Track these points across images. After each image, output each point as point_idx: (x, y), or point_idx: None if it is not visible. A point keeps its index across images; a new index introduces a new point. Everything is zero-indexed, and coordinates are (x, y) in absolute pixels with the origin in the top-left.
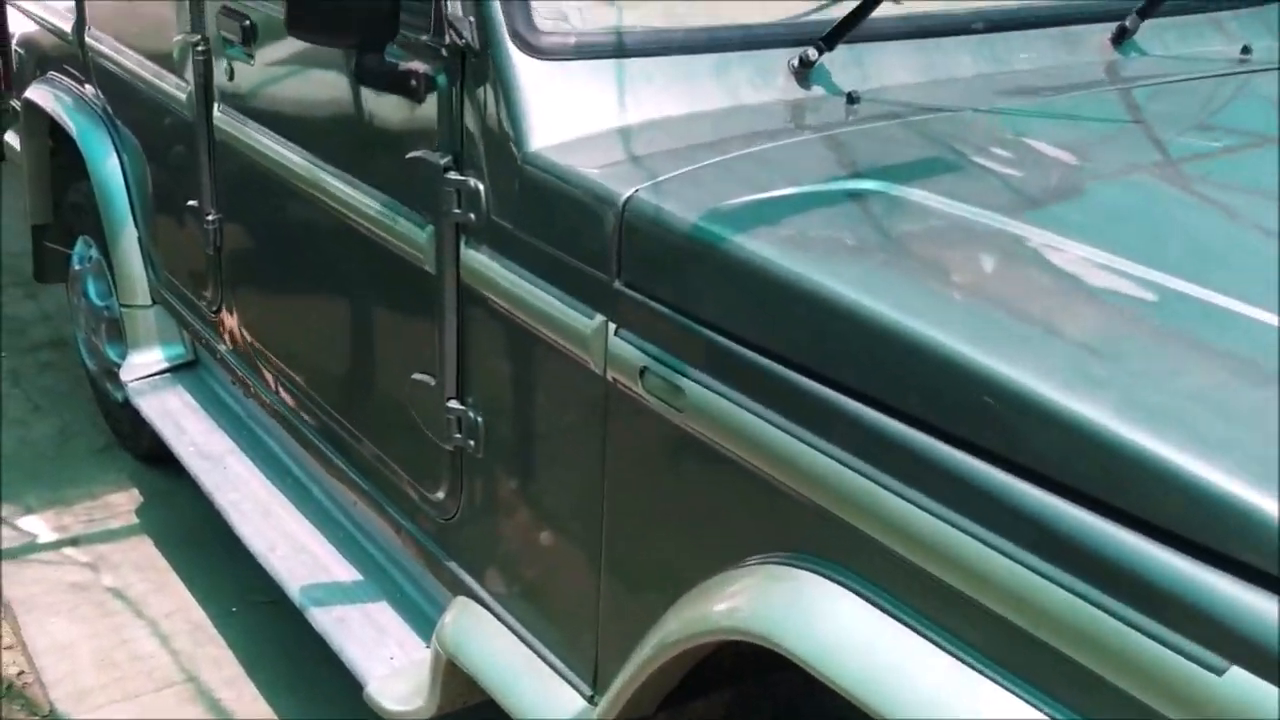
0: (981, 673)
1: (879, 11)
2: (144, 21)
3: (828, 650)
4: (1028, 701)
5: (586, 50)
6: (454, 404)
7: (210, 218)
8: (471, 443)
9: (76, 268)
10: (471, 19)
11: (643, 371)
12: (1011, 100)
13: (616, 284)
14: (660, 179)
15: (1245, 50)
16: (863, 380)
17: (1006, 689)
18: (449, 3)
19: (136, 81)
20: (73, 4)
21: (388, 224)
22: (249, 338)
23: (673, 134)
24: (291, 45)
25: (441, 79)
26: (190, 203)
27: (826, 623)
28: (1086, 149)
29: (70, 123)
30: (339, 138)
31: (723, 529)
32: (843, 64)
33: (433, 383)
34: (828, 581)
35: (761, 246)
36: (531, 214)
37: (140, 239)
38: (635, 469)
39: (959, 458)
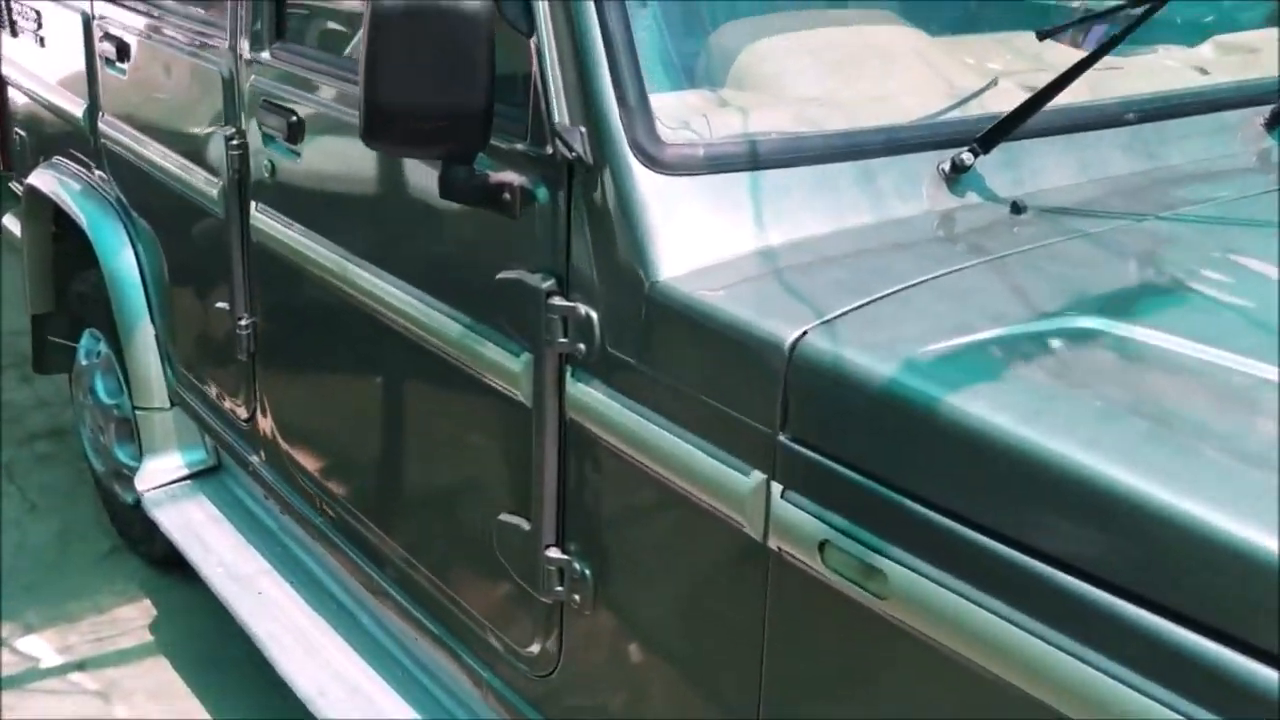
0: None
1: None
2: (168, 110)
3: None
4: None
5: (716, 163)
6: (554, 552)
7: (243, 322)
8: (576, 598)
9: (83, 362)
10: (582, 129)
11: (823, 545)
12: (1186, 203)
13: (782, 438)
14: (831, 317)
15: None
16: (1133, 577)
17: None
18: (554, 109)
19: (157, 173)
20: (84, 87)
21: (470, 347)
22: (290, 451)
23: (825, 258)
24: (348, 145)
25: (541, 192)
26: (220, 304)
27: None
28: None
29: (80, 212)
30: (408, 249)
31: None
32: (991, 165)
33: (526, 526)
34: None
35: (985, 408)
36: (663, 350)
37: (158, 337)
38: (809, 652)
39: None
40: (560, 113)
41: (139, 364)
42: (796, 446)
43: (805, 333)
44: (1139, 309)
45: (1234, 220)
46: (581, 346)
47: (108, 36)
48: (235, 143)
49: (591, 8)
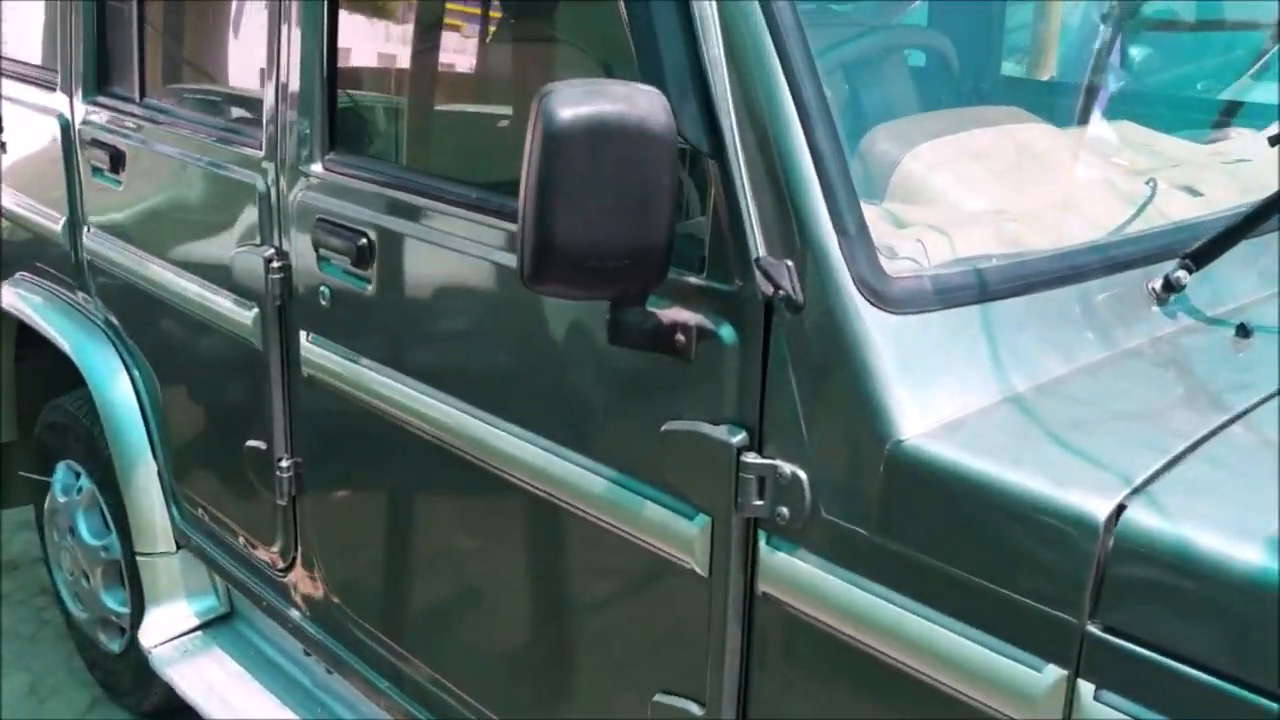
0: None
1: (1213, 210)
2: (179, 227)
3: None
4: None
5: (945, 296)
6: None
7: (284, 463)
8: None
9: (60, 499)
10: (789, 262)
11: None
12: None
13: (1091, 628)
14: (1141, 484)
15: None
16: None
17: None
18: (751, 240)
19: (165, 295)
20: (61, 198)
21: (618, 506)
22: (343, 605)
23: (1087, 406)
24: (433, 270)
25: (726, 333)
26: (252, 443)
27: None
28: None
29: (60, 335)
30: (527, 392)
31: None
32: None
33: (697, 710)
34: None
35: None
36: (911, 520)
37: (161, 474)
38: None
39: None
40: (758, 244)
41: (139, 504)
42: (1116, 640)
43: (1122, 506)
44: None
45: None
46: (784, 511)
47: (96, 144)
48: (276, 265)
49: (797, 125)
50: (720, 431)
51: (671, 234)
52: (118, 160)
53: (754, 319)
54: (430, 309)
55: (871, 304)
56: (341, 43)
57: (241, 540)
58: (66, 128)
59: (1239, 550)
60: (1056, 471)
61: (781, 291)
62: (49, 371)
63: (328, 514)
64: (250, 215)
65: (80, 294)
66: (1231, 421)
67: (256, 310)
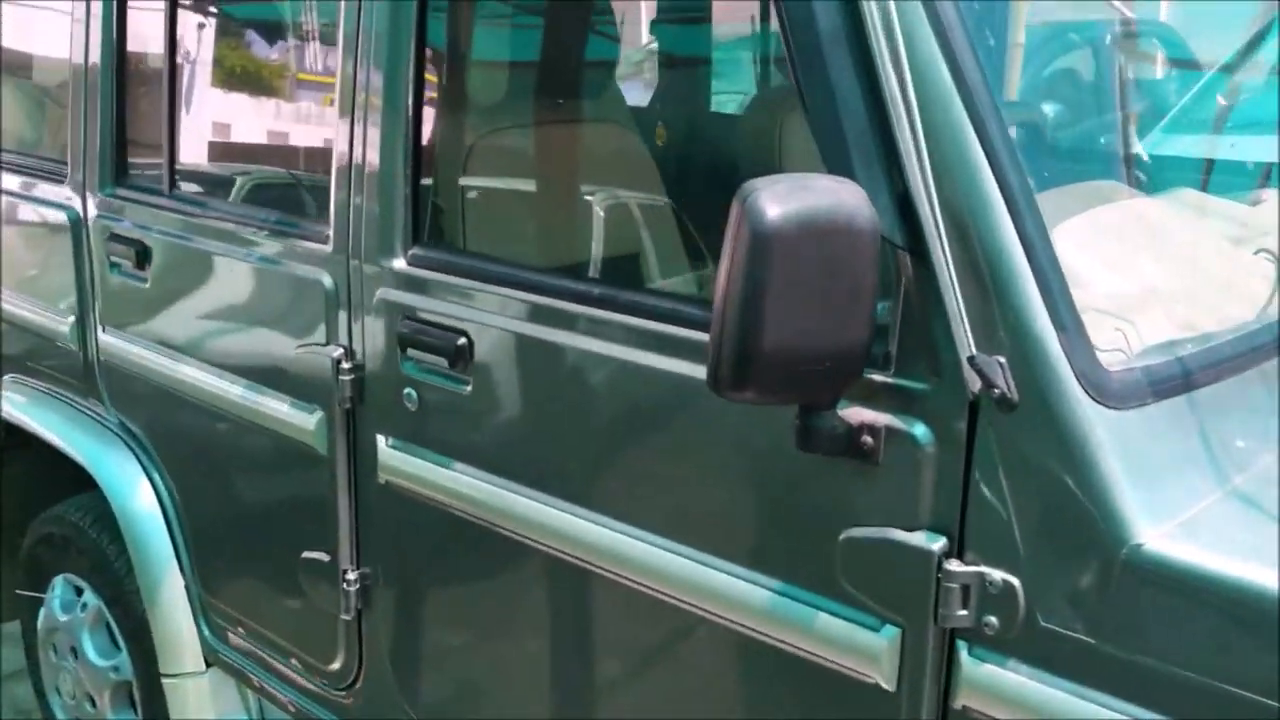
0: None
1: None
2: (221, 325)
3: None
4: None
5: (1157, 387)
6: None
7: (350, 575)
8: None
9: (61, 618)
10: (1001, 359)
11: None
12: None
13: None
14: None
15: None
16: None
17: None
18: (959, 336)
19: (198, 397)
20: (68, 296)
21: (781, 618)
22: None
23: None
24: (552, 373)
25: (921, 433)
26: (311, 555)
27: None
28: None
29: (71, 444)
30: (667, 496)
31: None
32: None
33: None
34: None
35: None
36: (1150, 627)
37: (189, 588)
38: None
39: None
40: (968, 340)
41: (165, 621)
42: None
43: None
44: None
45: None
46: (993, 620)
47: (117, 238)
48: (347, 365)
49: (1006, 217)
50: (917, 538)
51: (873, 333)
52: (143, 256)
53: (954, 418)
54: (548, 412)
55: (1095, 400)
56: (426, 125)
57: (291, 658)
58: (77, 222)
59: None
60: None
61: (996, 390)
62: (29, 481)
63: (405, 627)
64: (313, 313)
65: (89, 398)
66: None
67: (321, 413)
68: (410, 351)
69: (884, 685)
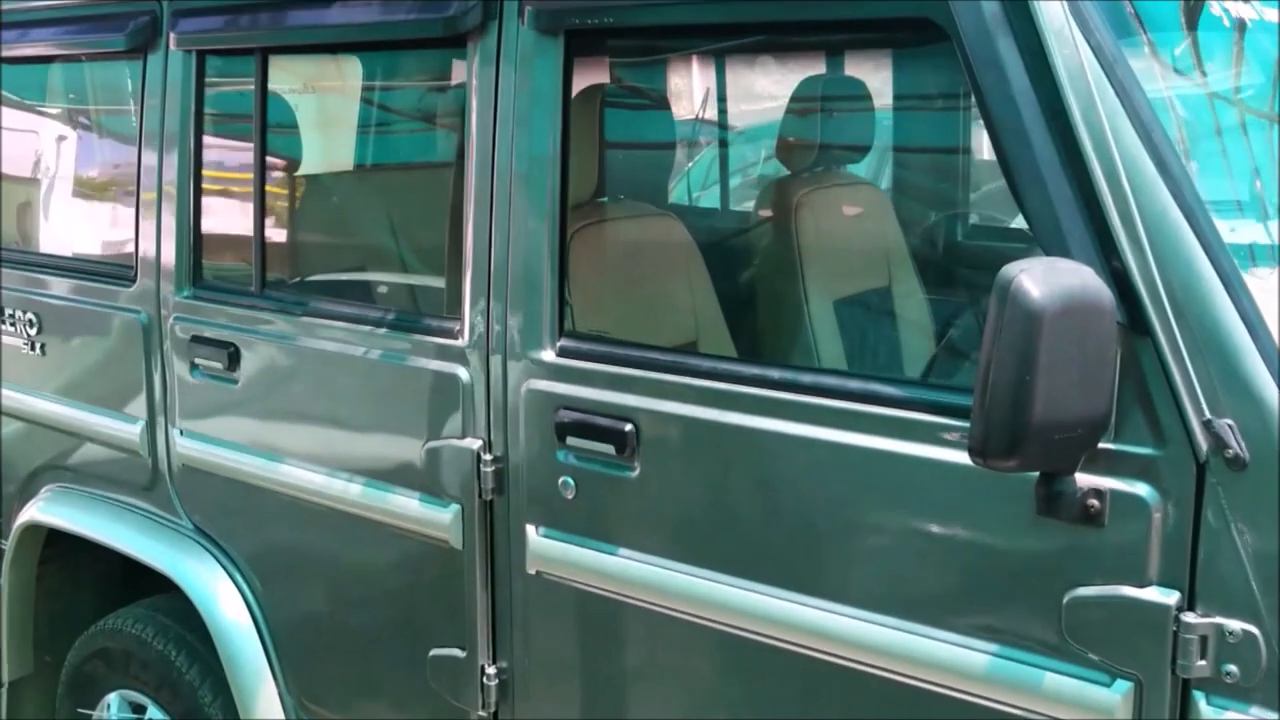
0: None
1: None
2: (331, 422)
3: None
4: None
5: None
6: None
7: (489, 670)
8: None
9: None
10: (1232, 423)
11: None
12: None
13: None
14: None
15: None
16: None
17: None
18: (1187, 405)
19: (304, 497)
20: (136, 400)
21: (1006, 682)
22: None
23: None
24: (728, 454)
25: (1148, 494)
26: (441, 652)
27: None
28: None
29: (152, 557)
30: (864, 570)
31: None
32: None
33: None
34: None
35: None
36: None
37: (283, 698)
38: None
39: None
40: (1202, 407)
41: None
42: None
43: None
44: None
45: None
46: (1233, 669)
47: (202, 340)
48: (488, 458)
49: (1226, 298)
50: (1150, 593)
51: (1114, 403)
52: (234, 357)
53: (1181, 479)
54: (728, 492)
55: None
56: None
57: None
58: (149, 326)
59: None
60: None
61: (1230, 450)
62: (70, 594)
63: (555, 716)
64: (447, 408)
65: (157, 504)
66: None
67: (457, 507)
68: (570, 440)
69: None
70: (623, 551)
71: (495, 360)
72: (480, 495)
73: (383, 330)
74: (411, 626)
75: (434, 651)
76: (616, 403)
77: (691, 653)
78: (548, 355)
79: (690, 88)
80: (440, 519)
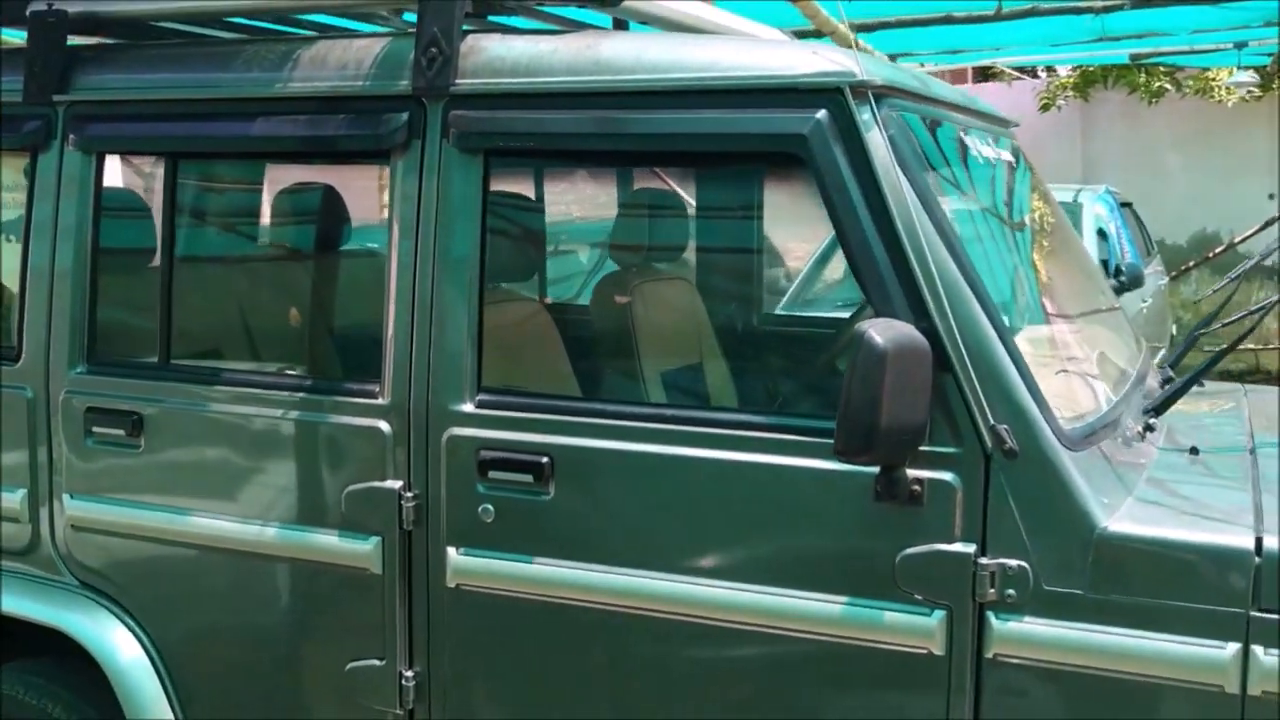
0: None
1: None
2: (238, 478)
3: None
4: None
5: (1090, 437)
6: None
7: (407, 674)
8: None
9: None
10: (1005, 427)
11: None
12: None
13: (1254, 613)
14: (1258, 523)
15: None
16: None
17: None
18: (977, 415)
19: (209, 546)
20: (22, 472)
21: (850, 621)
22: None
23: (1181, 491)
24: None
25: (952, 479)
26: (360, 663)
27: None
28: None
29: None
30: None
31: None
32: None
33: None
34: None
35: None
36: (1120, 578)
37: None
38: None
39: None
40: (987, 416)
41: None
42: (1271, 615)
43: (1260, 536)
44: None
45: None
46: (1012, 592)
47: (98, 411)
48: (409, 495)
49: (1002, 348)
50: (957, 547)
51: (929, 416)
52: (137, 425)
53: (975, 467)
54: (633, 503)
55: (1064, 446)
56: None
57: None
58: (34, 401)
59: None
60: (1213, 528)
61: (1006, 445)
62: None
63: (471, 707)
64: (367, 455)
65: (34, 566)
66: (1253, 488)
67: (378, 539)
68: (491, 474)
69: (936, 651)
70: (538, 560)
71: (417, 414)
72: (401, 526)
73: (301, 394)
74: (325, 648)
75: (352, 664)
76: (534, 441)
77: (600, 638)
78: (468, 407)
79: (576, 197)
80: (360, 550)
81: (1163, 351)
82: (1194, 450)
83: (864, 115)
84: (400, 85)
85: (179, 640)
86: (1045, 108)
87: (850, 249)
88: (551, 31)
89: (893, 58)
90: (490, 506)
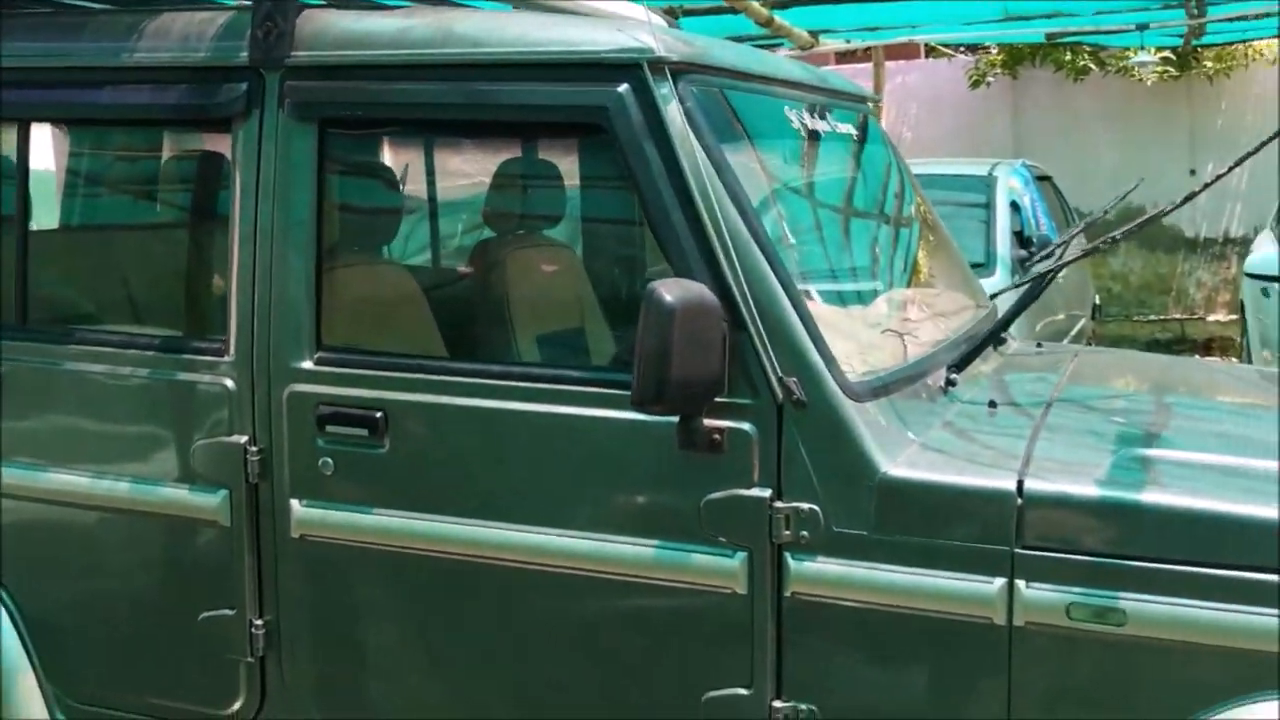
0: None
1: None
2: (90, 436)
3: None
4: None
5: (877, 390)
6: (779, 703)
7: (256, 622)
8: None
9: None
10: (796, 379)
11: (1069, 607)
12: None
13: (1017, 550)
14: (1025, 466)
15: None
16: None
17: None
18: (769, 368)
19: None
20: None
21: (663, 563)
22: None
23: (965, 440)
24: (454, 429)
25: (750, 429)
26: (212, 613)
27: None
28: None
29: None
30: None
31: (1156, 704)
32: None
33: (747, 693)
34: None
35: (1155, 495)
36: (898, 518)
37: (42, 685)
38: (1052, 690)
39: None
40: (777, 370)
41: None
42: (1033, 552)
43: (1022, 480)
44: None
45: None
46: (805, 534)
47: None
48: (254, 449)
49: (790, 307)
50: (755, 492)
51: (725, 371)
52: None
53: (769, 417)
54: (461, 455)
55: (849, 398)
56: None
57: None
58: None
59: (1091, 489)
60: (981, 472)
61: (795, 396)
62: None
63: (314, 654)
64: (215, 412)
65: None
66: (1032, 437)
67: (226, 491)
68: (329, 429)
69: (739, 590)
70: (377, 510)
71: (259, 370)
72: (247, 480)
73: (151, 352)
74: (180, 599)
75: (205, 614)
76: (369, 397)
77: (434, 584)
78: (307, 364)
79: (420, 165)
80: (209, 503)
81: (1084, 321)
82: (992, 404)
83: (662, 89)
84: (239, 56)
85: (36, 596)
86: (975, 85)
87: (649, 213)
88: (390, 7)
89: (814, 34)
90: (329, 460)
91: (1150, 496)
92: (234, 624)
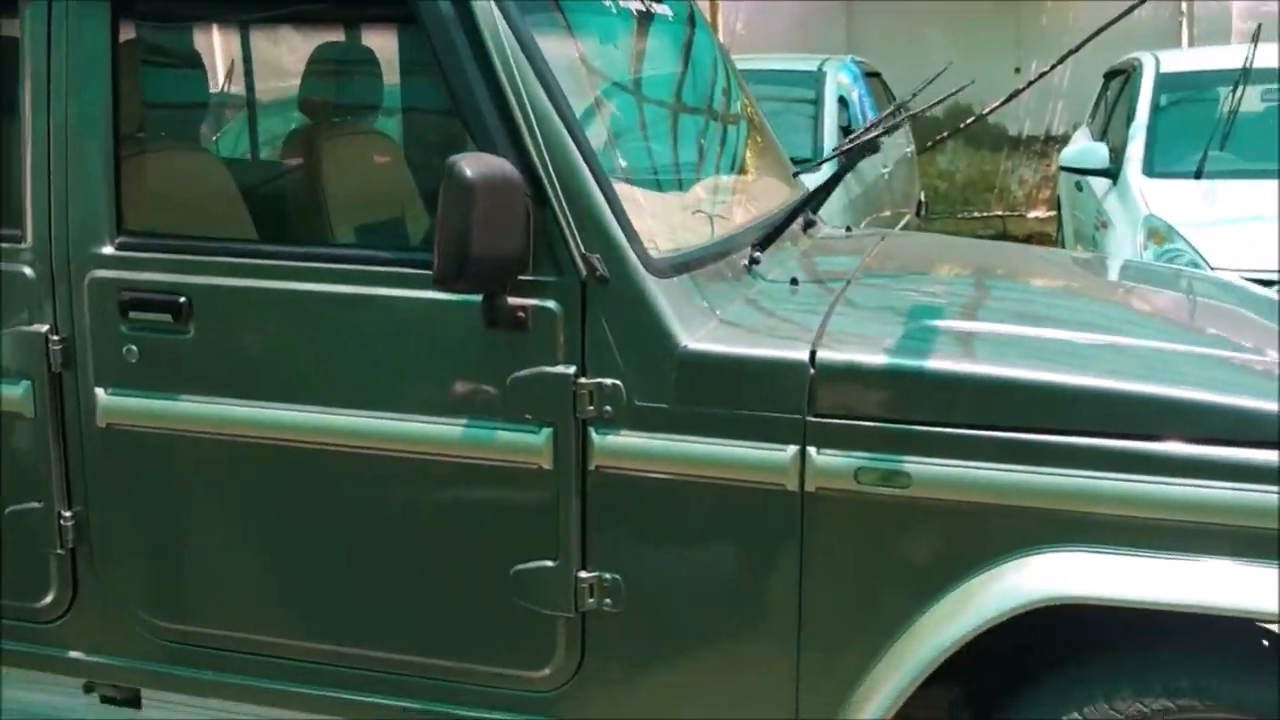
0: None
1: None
2: None
3: (1115, 582)
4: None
5: (679, 267)
6: (584, 573)
7: (65, 514)
8: (608, 601)
9: None
10: (599, 256)
11: (858, 472)
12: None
13: (809, 418)
14: (817, 337)
15: None
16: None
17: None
18: (573, 245)
19: None
20: None
21: (472, 441)
22: (154, 620)
23: (763, 317)
24: (252, 311)
25: (554, 307)
26: (18, 507)
27: (1104, 569)
28: None
29: None
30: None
31: (940, 560)
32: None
33: (553, 564)
34: (1075, 551)
35: (938, 362)
36: (698, 391)
37: None
38: (843, 552)
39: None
40: (580, 247)
41: None
42: (824, 420)
43: (814, 350)
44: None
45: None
46: (608, 409)
47: None
48: (56, 338)
49: (594, 185)
50: (559, 369)
51: (526, 246)
52: None
53: (573, 294)
54: (267, 339)
55: (650, 274)
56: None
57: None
58: None
59: (876, 358)
60: (777, 344)
61: (597, 272)
62: None
63: (128, 543)
64: (14, 300)
65: None
66: (828, 311)
67: (28, 382)
68: (132, 315)
69: (545, 466)
70: (184, 397)
71: (59, 258)
72: (50, 370)
73: None
74: None
75: (11, 508)
76: (172, 281)
77: (243, 469)
78: (108, 250)
79: (228, 51)
80: (12, 394)
81: (909, 217)
82: (794, 281)
83: None
84: None
85: None
86: None
87: (452, 89)
88: None
89: None
90: (134, 347)
91: (932, 363)
92: (42, 517)
